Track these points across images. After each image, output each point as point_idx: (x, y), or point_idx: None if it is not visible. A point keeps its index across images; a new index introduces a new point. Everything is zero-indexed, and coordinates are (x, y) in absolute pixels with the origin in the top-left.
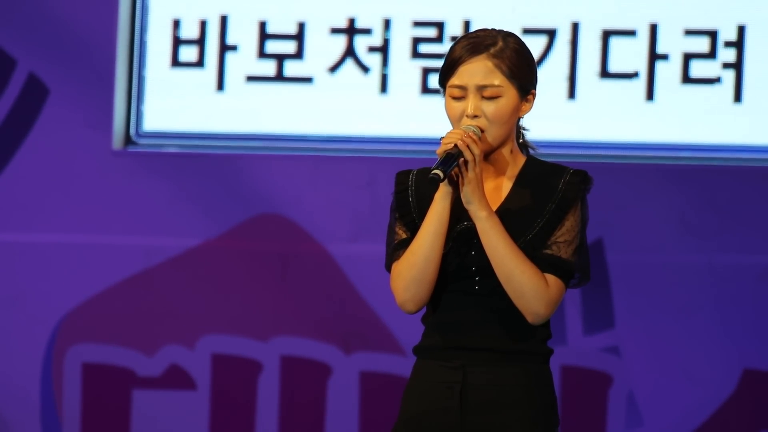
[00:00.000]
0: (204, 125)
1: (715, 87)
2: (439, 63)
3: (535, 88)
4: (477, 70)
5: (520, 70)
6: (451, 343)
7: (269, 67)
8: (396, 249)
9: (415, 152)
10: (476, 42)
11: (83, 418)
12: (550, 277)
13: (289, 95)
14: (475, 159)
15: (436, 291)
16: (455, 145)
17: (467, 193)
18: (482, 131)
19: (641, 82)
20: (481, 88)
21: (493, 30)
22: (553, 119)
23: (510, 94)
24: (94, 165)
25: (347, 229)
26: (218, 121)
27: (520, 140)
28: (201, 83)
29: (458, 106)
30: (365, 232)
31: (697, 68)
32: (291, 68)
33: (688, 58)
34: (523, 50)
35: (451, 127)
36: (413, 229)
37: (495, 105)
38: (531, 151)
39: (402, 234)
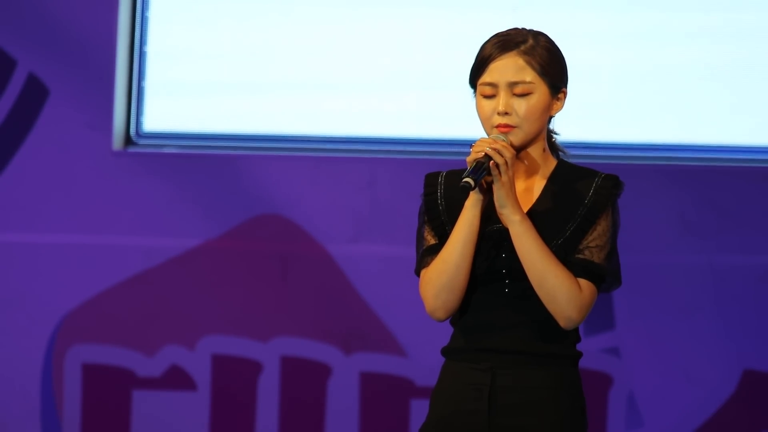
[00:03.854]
0: (204, 125)
1: (715, 87)
2: (437, 64)
3: (566, 87)
4: (508, 67)
5: (551, 67)
6: (480, 345)
7: (268, 67)
8: (425, 255)
9: (416, 153)
10: (507, 40)
11: (83, 418)
12: (583, 282)
13: (290, 95)
14: (507, 162)
15: (466, 293)
16: (485, 154)
17: (501, 197)
18: (508, 129)
19: (642, 82)
20: (512, 85)
21: (524, 29)
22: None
23: (541, 90)
24: (94, 165)
25: (347, 230)
26: (218, 121)
27: (552, 140)
28: (201, 83)
29: (489, 104)
30: (365, 233)
31: (696, 68)
32: (291, 68)
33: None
34: (554, 48)
35: (481, 130)
36: (442, 233)
37: (526, 102)
38: (561, 155)
39: (431, 239)
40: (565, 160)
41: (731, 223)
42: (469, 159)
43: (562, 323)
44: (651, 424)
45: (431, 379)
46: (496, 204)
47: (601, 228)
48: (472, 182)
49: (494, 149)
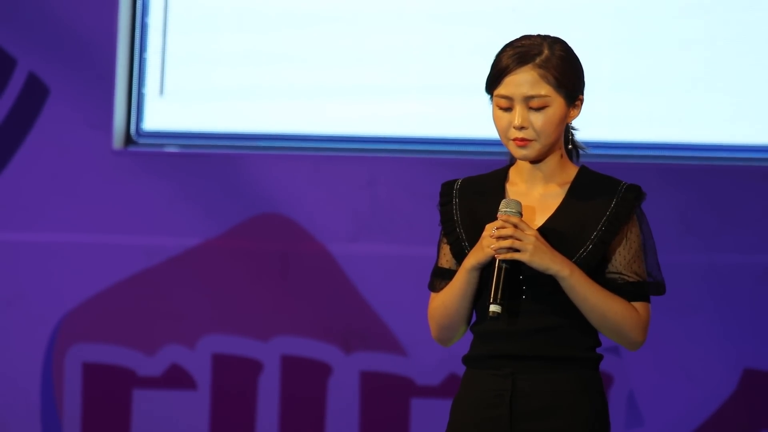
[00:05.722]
0: (205, 125)
1: (715, 86)
2: (439, 62)
3: (582, 93)
4: (523, 81)
5: (567, 77)
6: (499, 352)
7: (268, 67)
8: (435, 276)
9: (415, 152)
10: (522, 51)
11: (83, 418)
12: (638, 304)
13: (290, 95)
14: (519, 228)
15: (485, 300)
16: (497, 261)
17: (540, 265)
18: (525, 143)
19: (642, 82)
20: (527, 99)
21: (539, 37)
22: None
23: (557, 103)
24: (94, 165)
25: (347, 229)
26: (219, 120)
27: (569, 146)
28: (201, 83)
29: (505, 116)
30: (365, 232)
31: (696, 68)
32: (291, 68)
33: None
34: (570, 57)
35: (497, 135)
36: (458, 249)
37: (543, 116)
38: (581, 152)
39: (444, 259)
40: (584, 160)
41: (731, 223)
42: (493, 247)
43: (630, 348)
44: (651, 423)
45: (431, 379)
46: (540, 270)
47: (634, 243)
48: (499, 310)
49: (500, 244)
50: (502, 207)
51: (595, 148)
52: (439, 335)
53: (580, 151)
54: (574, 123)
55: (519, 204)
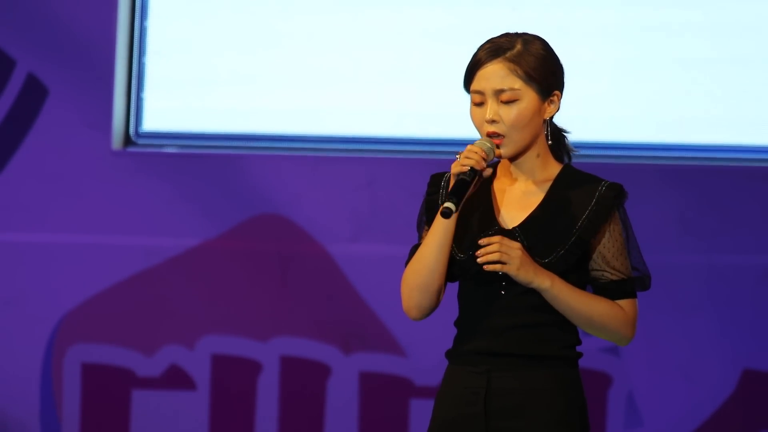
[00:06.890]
0: (204, 125)
1: (715, 87)
2: (436, 64)
3: (560, 89)
4: (493, 75)
5: (538, 72)
6: (477, 348)
7: (268, 67)
8: (413, 252)
9: (415, 152)
10: (495, 47)
11: (83, 418)
12: (623, 302)
13: (289, 95)
14: (504, 244)
15: (465, 296)
16: (470, 167)
17: (524, 278)
18: (498, 140)
19: (642, 82)
20: (498, 93)
21: (517, 34)
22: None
23: (528, 97)
24: (94, 165)
25: (347, 229)
26: (218, 121)
27: (549, 142)
28: (201, 83)
29: (479, 111)
30: (365, 232)
31: (696, 68)
32: (291, 68)
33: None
34: (545, 53)
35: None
36: None
37: (515, 109)
38: (572, 154)
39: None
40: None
41: (731, 223)
42: (454, 170)
43: (619, 344)
44: (650, 423)
45: (431, 379)
46: (523, 283)
47: (616, 241)
48: (453, 207)
49: (473, 154)
50: (477, 142)
51: (594, 149)
52: (410, 301)
53: (573, 153)
54: (566, 126)
55: (491, 141)
